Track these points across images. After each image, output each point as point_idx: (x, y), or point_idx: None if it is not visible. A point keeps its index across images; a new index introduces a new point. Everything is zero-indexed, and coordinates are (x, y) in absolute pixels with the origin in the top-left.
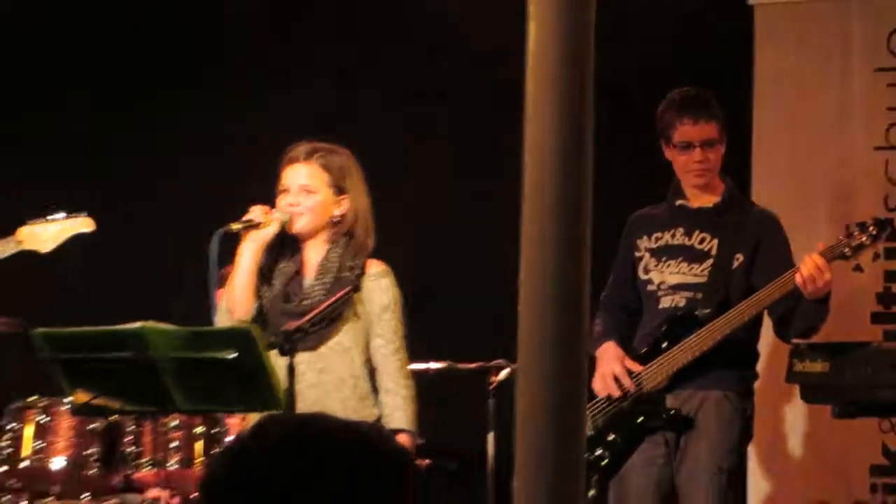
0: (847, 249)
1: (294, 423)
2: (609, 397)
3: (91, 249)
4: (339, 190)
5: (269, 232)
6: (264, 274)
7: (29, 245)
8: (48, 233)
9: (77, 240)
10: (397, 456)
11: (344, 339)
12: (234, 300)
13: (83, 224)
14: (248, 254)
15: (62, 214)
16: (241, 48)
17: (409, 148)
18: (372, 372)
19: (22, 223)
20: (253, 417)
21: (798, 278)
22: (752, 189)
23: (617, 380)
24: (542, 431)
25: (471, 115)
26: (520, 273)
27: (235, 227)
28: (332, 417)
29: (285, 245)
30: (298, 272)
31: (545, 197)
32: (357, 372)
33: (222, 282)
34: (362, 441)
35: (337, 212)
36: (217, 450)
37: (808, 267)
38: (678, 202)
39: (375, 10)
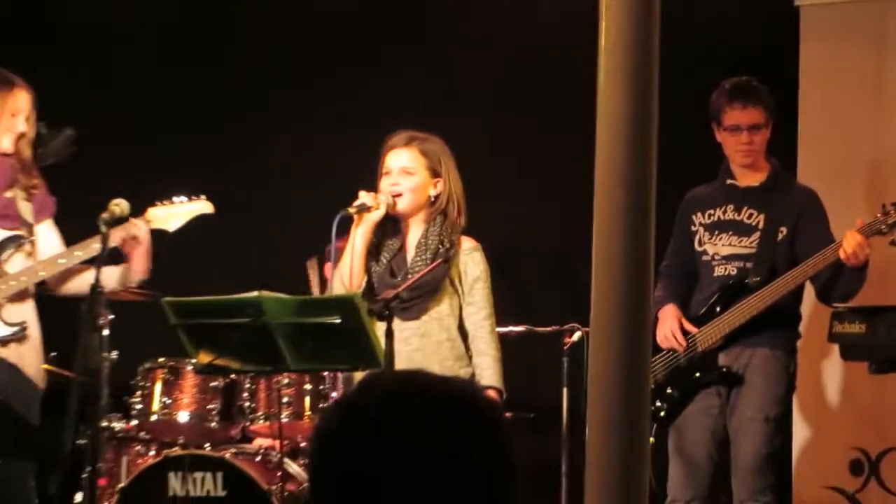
0: (884, 227)
1: (396, 379)
2: (668, 354)
3: (216, 228)
4: (435, 173)
5: (378, 214)
6: (372, 251)
7: (157, 225)
8: (173, 214)
9: (201, 219)
10: (490, 408)
11: (442, 308)
12: (348, 275)
13: (204, 207)
14: (361, 235)
15: (185, 198)
16: (351, 50)
17: (495, 132)
18: (465, 336)
19: (151, 205)
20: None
21: (842, 254)
22: (798, 169)
23: (674, 337)
24: (610, 387)
25: (548, 99)
26: (592, 248)
27: (352, 210)
28: (430, 374)
29: (389, 224)
30: (401, 248)
31: (615, 179)
32: (453, 336)
33: (331, 257)
34: (459, 395)
35: (433, 192)
36: (324, 404)
37: (850, 244)
38: (728, 182)
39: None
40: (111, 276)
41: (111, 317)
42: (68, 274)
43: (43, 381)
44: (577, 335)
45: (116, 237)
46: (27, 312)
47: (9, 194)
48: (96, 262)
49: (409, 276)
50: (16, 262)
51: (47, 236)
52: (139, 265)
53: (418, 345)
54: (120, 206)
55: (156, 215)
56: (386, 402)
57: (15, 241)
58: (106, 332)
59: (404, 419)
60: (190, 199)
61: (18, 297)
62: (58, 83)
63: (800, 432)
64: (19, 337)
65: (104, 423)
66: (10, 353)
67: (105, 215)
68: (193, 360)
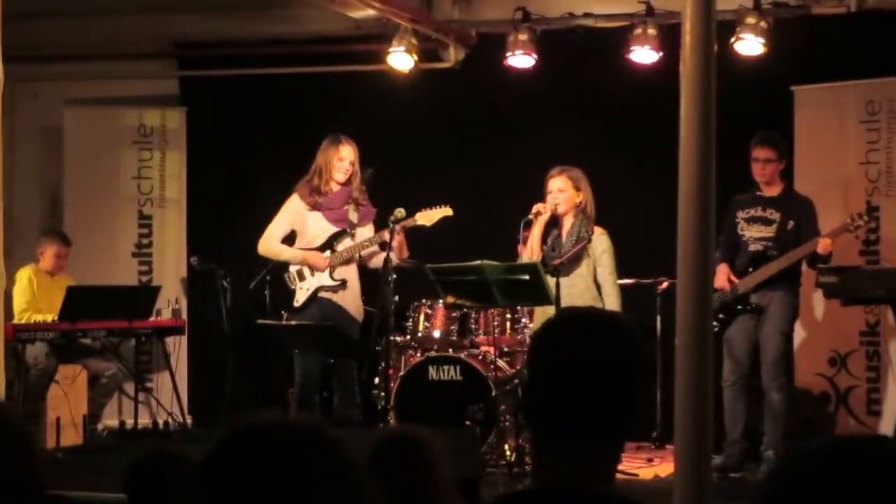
0: (853, 228)
1: (574, 311)
2: (721, 294)
3: (456, 224)
4: (577, 189)
5: (546, 216)
6: (544, 238)
7: (420, 222)
8: (430, 215)
9: (445, 220)
10: (628, 324)
11: (583, 270)
12: (532, 252)
13: (446, 211)
14: (538, 229)
15: (438, 206)
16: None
17: (609, 157)
18: (598, 286)
19: (419, 210)
20: (539, 311)
21: (819, 249)
22: (795, 185)
23: (727, 282)
24: (689, 314)
25: (644, 141)
26: (678, 229)
27: (532, 214)
28: (585, 307)
29: (552, 221)
30: (559, 236)
31: (692, 188)
32: (591, 286)
33: (521, 241)
34: (612, 318)
35: (577, 200)
36: (518, 325)
37: (822, 244)
38: (757, 192)
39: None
40: (391, 256)
41: (395, 276)
42: (371, 255)
43: (360, 314)
44: (665, 284)
45: (387, 235)
46: (350, 273)
47: (345, 208)
48: (387, 245)
49: (564, 253)
50: (344, 245)
51: (365, 233)
52: (400, 253)
53: (570, 292)
54: (400, 211)
55: (421, 216)
56: (566, 323)
57: (343, 234)
58: (392, 285)
59: (584, 333)
60: (440, 206)
61: (345, 263)
62: (367, 146)
63: (799, 340)
64: (342, 288)
65: (392, 337)
66: (337, 297)
67: (391, 217)
68: (443, 300)
